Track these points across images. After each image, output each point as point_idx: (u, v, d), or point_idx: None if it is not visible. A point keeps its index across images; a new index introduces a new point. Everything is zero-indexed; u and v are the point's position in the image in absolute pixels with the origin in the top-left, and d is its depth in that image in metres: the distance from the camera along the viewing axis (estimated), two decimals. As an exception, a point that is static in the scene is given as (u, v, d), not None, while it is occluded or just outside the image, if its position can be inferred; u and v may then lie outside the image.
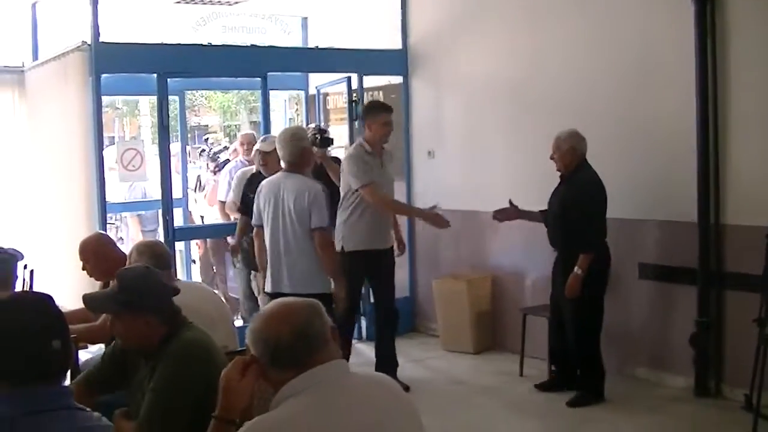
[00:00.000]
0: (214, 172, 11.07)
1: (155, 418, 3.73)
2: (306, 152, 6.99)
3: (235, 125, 29.10)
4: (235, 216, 8.83)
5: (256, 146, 8.54)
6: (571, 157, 7.21)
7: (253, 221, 7.17)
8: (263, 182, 7.15)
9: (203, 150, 10.49)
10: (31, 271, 6.98)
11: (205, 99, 29.04)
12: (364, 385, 2.93)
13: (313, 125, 9.00)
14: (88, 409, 2.83)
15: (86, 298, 4.07)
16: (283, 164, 7.04)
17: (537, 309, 8.05)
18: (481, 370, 8.40)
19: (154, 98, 8.70)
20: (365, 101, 9.42)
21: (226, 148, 12.44)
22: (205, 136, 11.83)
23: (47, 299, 2.84)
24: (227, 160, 10.97)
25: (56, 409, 2.71)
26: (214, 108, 30.22)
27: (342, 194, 7.79)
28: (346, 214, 7.70)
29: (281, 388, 2.81)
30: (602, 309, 7.36)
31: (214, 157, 11.60)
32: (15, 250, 5.67)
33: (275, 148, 7.69)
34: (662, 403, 7.24)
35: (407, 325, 9.37)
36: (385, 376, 3.11)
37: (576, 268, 7.06)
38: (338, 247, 7.61)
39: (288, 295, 6.15)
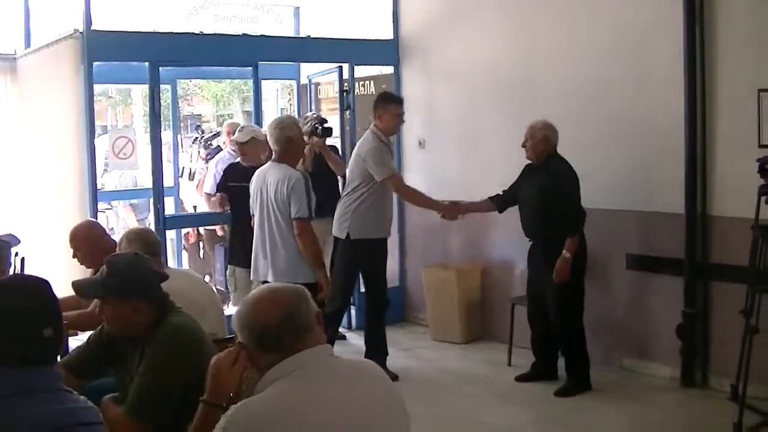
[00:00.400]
0: (206, 160, 11.08)
1: (144, 402, 3.78)
2: (289, 141, 6.95)
3: (228, 114, 29.04)
4: (217, 209, 8.78)
5: (233, 137, 8.62)
6: (544, 146, 7.32)
7: (251, 211, 7.24)
8: (255, 173, 7.20)
9: (196, 138, 10.46)
10: (22, 258, 6.98)
11: (198, 88, 28.97)
12: (348, 369, 2.98)
13: (312, 115, 9.01)
14: (74, 392, 2.88)
15: (75, 284, 4.11)
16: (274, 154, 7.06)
17: (525, 299, 8.09)
18: (469, 360, 8.45)
19: (146, 87, 8.67)
20: (358, 91, 9.48)
21: (218, 134, 12.43)
22: (197, 124, 11.76)
23: (44, 285, 2.89)
24: (219, 147, 10.98)
25: (47, 391, 2.76)
26: (207, 97, 30.12)
27: (352, 182, 7.83)
28: (356, 203, 7.74)
29: (267, 371, 2.85)
30: (583, 293, 7.46)
31: (206, 144, 11.61)
32: (11, 235, 5.69)
33: (252, 138, 7.98)
34: (649, 393, 7.30)
35: (396, 314, 9.41)
36: (368, 361, 3.17)
37: (564, 252, 7.13)
38: (342, 235, 7.75)
39: None
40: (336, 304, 7.65)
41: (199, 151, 11.79)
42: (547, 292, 7.40)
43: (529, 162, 7.50)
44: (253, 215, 7.17)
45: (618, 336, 7.89)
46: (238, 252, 8.01)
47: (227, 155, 9.94)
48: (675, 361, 7.38)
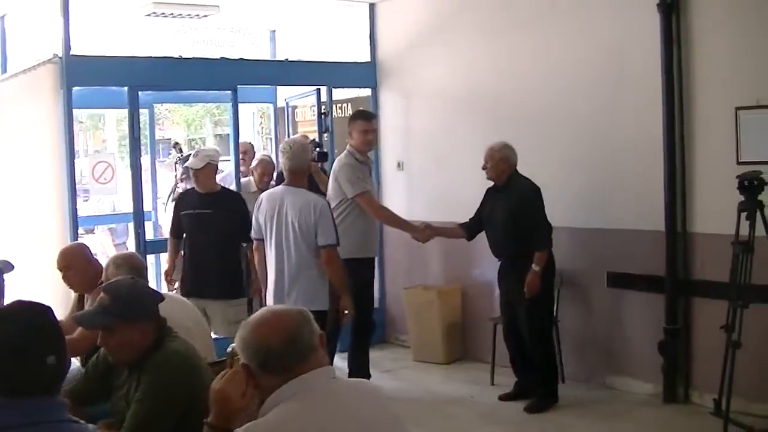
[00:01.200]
0: (182, 179, 10.93)
1: (141, 427, 3.76)
2: (309, 166, 7.02)
3: (200, 138, 29.00)
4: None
5: (187, 163, 8.33)
6: (504, 165, 7.47)
7: (253, 234, 7.08)
8: (262, 195, 7.08)
9: (178, 158, 10.32)
10: (2, 282, 6.92)
11: (169, 112, 28.92)
12: (350, 391, 3.00)
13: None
14: (81, 421, 2.86)
15: (78, 318, 4.13)
16: (286, 176, 6.94)
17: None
18: (452, 380, 8.46)
19: (120, 112, 8.67)
20: (336, 113, 9.52)
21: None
22: (174, 142, 11.44)
23: (45, 311, 2.85)
24: None
25: (51, 422, 2.72)
26: (178, 122, 30.07)
27: (331, 202, 7.73)
28: (337, 222, 7.70)
29: (270, 394, 2.85)
30: (553, 307, 7.62)
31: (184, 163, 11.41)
32: (5, 261, 5.67)
33: (207, 164, 7.77)
34: (632, 409, 7.35)
35: (378, 335, 9.40)
36: (369, 382, 3.17)
37: (533, 266, 7.25)
38: None
39: None
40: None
41: (175, 169, 11.52)
42: (519, 309, 7.48)
43: (491, 184, 7.59)
44: (259, 239, 7.01)
45: (600, 353, 7.93)
46: (194, 282, 7.78)
47: (227, 176, 9.69)
48: (657, 377, 7.43)
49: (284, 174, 6.97)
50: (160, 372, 3.84)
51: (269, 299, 6.94)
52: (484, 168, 7.54)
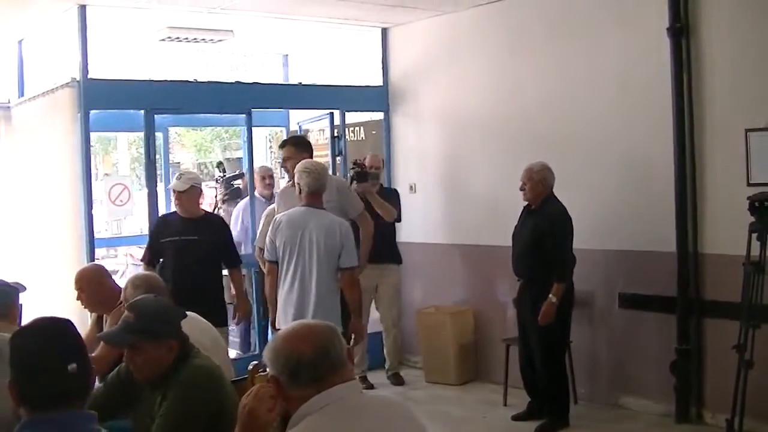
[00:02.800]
0: (224, 201, 10.85)
1: (165, 442, 3.82)
2: (325, 187, 6.87)
3: (210, 162, 29.08)
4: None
5: (171, 185, 7.85)
6: (542, 188, 7.42)
7: (267, 256, 6.94)
8: (281, 217, 6.91)
9: (217, 178, 10.20)
10: (21, 306, 6.98)
11: (178, 136, 29.05)
12: (380, 405, 3.04)
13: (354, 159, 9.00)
14: None
15: (104, 336, 4.18)
16: (305, 196, 6.78)
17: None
18: (464, 401, 8.48)
19: (132, 134, 8.74)
20: (348, 137, 9.62)
21: (241, 175, 11.58)
22: (217, 161, 11.22)
23: (65, 324, 2.91)
24: (238, 189, 10.81)
25: None
26: (186, 145, 30.16)
27: None
28: None
29: (299, 406, 2.86)
30: (568, 335, 7.59)
31: (228, 184, 11.27)
32: (18, 283, 5.72)
33: (191, 186, 7.46)
34: (644, 430, 7.39)
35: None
36: (394, 397, 3.20)
37: (551, 296, 7.22)
38: None
39: None
40: None
41: (216, 191, 11.35)
42: (531, 331, 7.51)
43: (509, 204, 7.63)
44: (274, 261, 6.85)
45: (612, 374, 7.96)
46: None
47: (246, 204, 9.57)
48: (669, 397, 7.45)
49: (303, 194, 6.79)
50: (185, 388, 3.89)
51: (282, 321, 6.78)
52: (521, 189, 7.50)
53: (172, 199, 7.77)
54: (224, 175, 9.94)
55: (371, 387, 8.56)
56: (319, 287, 6.65)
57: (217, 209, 10.34)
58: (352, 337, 6.81)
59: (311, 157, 7.62)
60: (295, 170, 6.90)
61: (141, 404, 4.14)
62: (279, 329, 6.59)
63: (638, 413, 7.71)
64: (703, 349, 7.37)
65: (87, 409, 3.99)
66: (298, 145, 7.76)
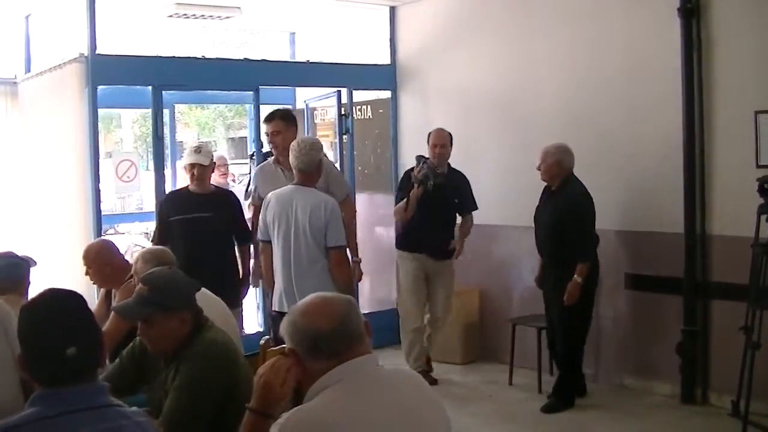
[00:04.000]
0: None
1: (179, 416, 3.83)
2: (319, 165, 6.65)
3: (213, 141, 29.10)
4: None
5: (190, 159, 7.37)
6: (558, 169, 7.41)
7: (259, 236, 6.81)
8: (270, 195, 6.72)
9: (253, 153, 9.92)
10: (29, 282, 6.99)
11: (181, 114, 29.05)
12: (396, 378, 3.02)
13: (423, 160, 8.18)
14: (124, 405, 2.85)
15: (117, 309, 4.19)
16: (295, 175, 6.64)
17: (526, 319, 8.22)
18: (471, 380, 8.53)
19: (135, 112, 8.71)
20: (355, 115, 9.59)
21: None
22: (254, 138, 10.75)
23: (72, 300, 2.86)
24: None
25: (91, 408, 2.73)
26: (189, 124, 30.18)
27: None
28: None
29: (316, 379, 2.86)
30: (591, 316, 7.57)
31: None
32: (28, 257, 5.74)
33: (211, 161, 7.37)
34: (650, 411, 7.40)
35: (395, 336, 9.42)
36: (410, 370, 3.19)
37: (576, 277, 7.25)
38: None
39: None
40: None
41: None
42: (552, 309, 7.53)
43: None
44: (266, 240, 6.71)
45: (618, 354, 7.98)
46: None
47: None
48: (675, 378, 7.49)
49: (294, 173, 6.66)
50: (198, 361, 3.91)
51: (276, 301, 6.71)
52: (538, 168, 7.49)
53: (185, 174, 7.47)
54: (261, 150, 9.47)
55: (434, 382, 8.10)
56: (303, 266, 6.49)
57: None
58: None
59: (297, 130, 7.58)
60: (290, 147, 6.73)
61: (155, 378, 4.15)
62: (276, 311, 6.68)
63: (644, 394, 7.74)
64: (709, 331, 7.38)
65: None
66: (286, 119, 7.54)
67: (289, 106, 11.16)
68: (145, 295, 3.98)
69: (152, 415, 3.91)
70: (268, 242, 6.71)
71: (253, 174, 7.83)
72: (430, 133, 8.33)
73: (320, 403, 2.81)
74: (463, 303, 9.07)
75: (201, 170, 7.28)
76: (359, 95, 10.13)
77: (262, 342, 4.39)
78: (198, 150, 7.42)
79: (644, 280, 7.77)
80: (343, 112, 9.66)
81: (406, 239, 8.35)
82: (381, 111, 10.18)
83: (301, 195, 6.55)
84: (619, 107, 7.88)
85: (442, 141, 8.27)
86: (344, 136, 9.70)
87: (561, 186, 7.43)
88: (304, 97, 10.65)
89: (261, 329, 9.11)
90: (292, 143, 6.75)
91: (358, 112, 10.29)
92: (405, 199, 8.08)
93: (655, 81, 7.61)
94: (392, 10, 10.10)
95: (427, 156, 8.20)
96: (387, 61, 10.15)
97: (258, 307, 9.56)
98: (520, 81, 8.77)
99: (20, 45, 9.57)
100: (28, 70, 9.49)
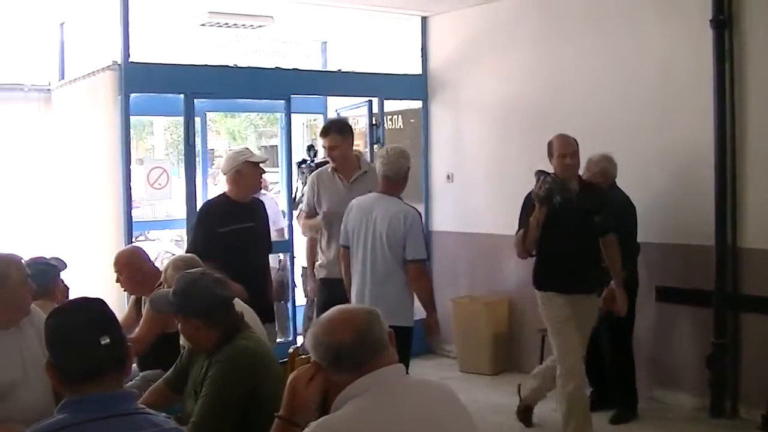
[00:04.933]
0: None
1: (205, 421, 3.89)
2: (407, 174, 6.44)
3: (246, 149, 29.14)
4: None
5: (263, 168, 7.05)
6: (601, 178, 7.36)
7: (341, 241, 6.61)
8: (353, 202, 6.56)
9: (303, 161, 9.78)
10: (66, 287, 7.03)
11: (213, 122, 29.14)
12: (422, 388, 3.03)
13: (546, 178, 6.64)
14: (153, 412, 2.89)
15: (152, 296, 4.32)
16: (380, 183, 6.45)
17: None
18: (499, 390, 8.47)
19: (168, 119, 8.75)
20: (386, 125, 9.61)
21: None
22: (309, 144, 10.43)
23: (97, 301, 2.95)
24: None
25: (123, 414, 2.77)
26: (220, 132, 30.26)
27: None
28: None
29: (340, 390, 2.88)
30: (633, 323, 7.51)
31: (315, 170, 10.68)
32: (57, 259, 5.79)
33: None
34: (678, 423, 7.38)
35: (423, 346, 9.41)
36: (439, 381, 3.19)
37: (611, 284, 7.04)
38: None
39: None
40: None
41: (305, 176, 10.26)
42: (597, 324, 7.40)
43: None
44: (346, 246, 6.55)
45: (648, 367, 7.92)
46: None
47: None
48: (704, 391, 7.45)
49: (380, 180, 6.45)
50: (222, 368, 3.98)
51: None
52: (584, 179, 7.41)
53: (224, 181, 7.08)
54: (314, 160, 9.18)
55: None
56: (379, 278, 6.32)
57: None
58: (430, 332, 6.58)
59: (353, 139, 7.39)
60: (378, 154, 6.72)
61: (196, 374, 4.23)
62: None
63: (673, 407, 7.71)
64: (739, 344, 7.34)
65: (163, 384, 4.12)
66: (343, 132, 7.22)
67: (320, 115, 11.24)
68: (171, 294, 4.10)
69: (182, 421, 3.98)
70: (347, 248, 6.56)
71: (308, 183, 7.56)
72: (550, 142, 6.91)
73: (346, 412, 2.82)
74: (493, 313, 9.06)
75: (249, 175, 6.87)
76: (390, 105, 10.16)
77: (290, 350, 4.41)
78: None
79: (674, 292, 7.72)
80: (374, 122, 9.69)
81: (548, 276, 6.93)
82: (412, 121, 10.21)
83: (382, 203, 6.36)
84: (650, 118, 7.85)
85: (570, 149, 6.77)
86: (375, 146, 9.71)
87: None
88: (336, 106, 10.69)
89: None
90: (380, 151, 6.73)
91: (389, 122, 10.32)
92: (523, 229, 6.83)
93: (686, 92, 7.59)
94: (424, 20, 10.13)
95: (548, 171, 6.71)
96: (418, 71, 10.16)
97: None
98: (551, 91, 8.75)
99: (54, 52, 9.64)
100: (62, 77, 9.56)
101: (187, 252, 6.62)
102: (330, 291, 6.98)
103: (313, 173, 7.66)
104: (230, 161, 6.89)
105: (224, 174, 6.95)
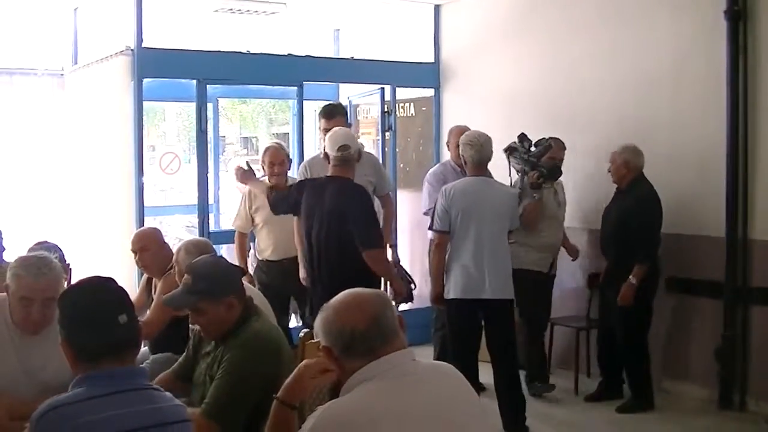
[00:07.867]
0: (539, 184, 9.78)
1: (221, 404, 3.88)
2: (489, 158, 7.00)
3: (254, 137, 29.14)
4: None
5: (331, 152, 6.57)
6: (626, 170, 7.40)
7: (438, 227, 6.81)
8: (455, 186, 6.85)
9: (521, 150, 9.51)
10: (69, 268, 7.06)
11: (223, 109, 29.07)
12: (431, 373, 3.02)
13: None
14: (161, 389, 2.97)
15: (166, 300, 4.26)
16: (471, 168, 6.88)
17: (565, 319, 8.20)
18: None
19: (179, 106, 8.76)
20: (398, 113, 9.62)
21: (549, 147, 9.50)
22: (521, 133, 9.73)
23: (110, 280, 3.01)
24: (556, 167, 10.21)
25: (135, 389, 2.85)
26: (231, 118, 30.21)
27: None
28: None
29: (351, 375, 2.88)
30: (650, 317, 7.51)
31: (533, 163, 10.35)
32: (53, 244, 5.82)
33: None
34: (686, 415, 7.35)
35: (427, 334, 9.36)
36: (449, 366, 3.17)
37: (631, 278, 7.19)
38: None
39: (488, 301, 6.55)
40: None
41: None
42: (612, 309, 7.48)
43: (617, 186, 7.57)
44: (446, 231, 6.77)
45: (657, 357, 7.87)
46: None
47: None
48: (713, 383, 7.44)
49: (468, 166, 6.91)
50: (240, 352, 3.97)
51: (455, 291, 6.72)
52: (608, 171, 7.54)
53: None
54: (528, 149, 7.94)
55: None
56: (497, 256, 6.73)
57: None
58: None
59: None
60: (460, 142, 7.04)
61: (205, 359, 4.24)
62: (451, 297, 6.77)
63: (681, 398, 7.69)
64: (748, 336, 7.33)
65: (173, 373, 4.28)
66: (345, 115, 7.81)
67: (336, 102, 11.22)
68: (190, 283, 4.05)
69: (190, 404, 3.99)
70: (447, 233, 6.79)
71: (300, 168, 7.69)
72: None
73: (355, 397, 2.83)
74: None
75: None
76: (402, 93, 10.15)
77: (301, 335, 4.42)
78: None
79: (684, 283, 7.71)
80: (386, 110, 9.70)
81: None
82: (424, 109, 10.20)
83: (488, 184, 6.97)
84: (662, 110, 7.84)
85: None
86: (387, 134, 9.73)
87: (629, 186, 7.41)
88: (348, 93, 10.70)
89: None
90: (466, 138, 7.00)
91: (401, 110, 10.32)
92: None
93: (699, 84, 7.56)
94: (436, 8, 10.14)
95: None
96: (430, 59, 10.17)
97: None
98: (563, 81, 8.74)
99: (68, 37, 9.69)
100: (75, 62, 9.59)
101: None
102: None
103: (305, 160, 7.81)
104: None
105: None
